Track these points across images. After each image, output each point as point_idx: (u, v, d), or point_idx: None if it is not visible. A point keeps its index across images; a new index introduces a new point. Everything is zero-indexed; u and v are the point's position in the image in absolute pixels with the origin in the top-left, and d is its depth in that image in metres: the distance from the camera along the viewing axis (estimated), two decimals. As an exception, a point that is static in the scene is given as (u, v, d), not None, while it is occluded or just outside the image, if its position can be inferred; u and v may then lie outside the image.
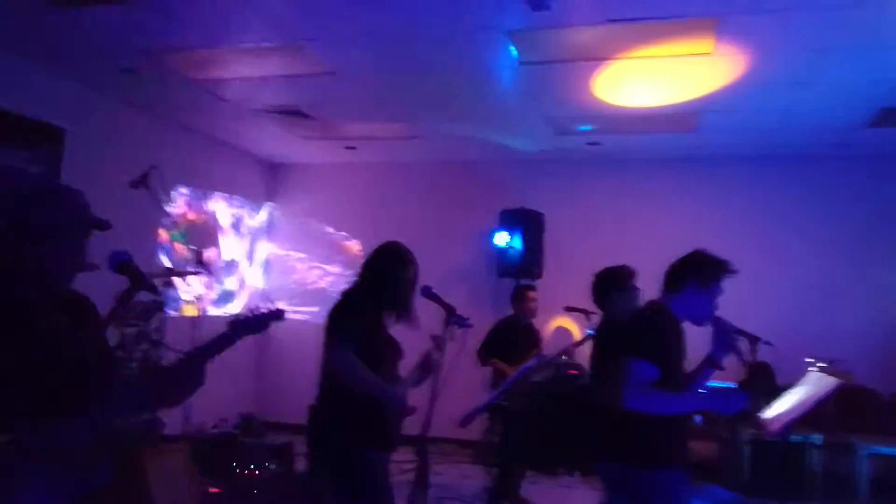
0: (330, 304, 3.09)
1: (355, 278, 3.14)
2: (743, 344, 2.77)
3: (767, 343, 3.03)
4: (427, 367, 3.21)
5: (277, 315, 2.08)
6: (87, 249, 1.83)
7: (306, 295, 8.11)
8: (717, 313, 2.80)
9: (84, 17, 4.25)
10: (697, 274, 2.74)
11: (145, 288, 1.99)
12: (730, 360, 2.86)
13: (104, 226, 1.80)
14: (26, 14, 4.22)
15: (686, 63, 4.67)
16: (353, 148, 7.44)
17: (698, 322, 2.79)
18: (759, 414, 4.03)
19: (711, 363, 2.85)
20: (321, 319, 3.06)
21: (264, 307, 2.06)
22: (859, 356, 5.97)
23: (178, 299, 6.57)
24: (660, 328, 2.71)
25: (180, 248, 6.63)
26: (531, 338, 5.79)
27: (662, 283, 2.85)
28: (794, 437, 5.01)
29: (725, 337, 2.77)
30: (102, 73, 5.29)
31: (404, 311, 3.06)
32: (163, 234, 6.55)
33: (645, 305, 2.88)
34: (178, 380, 1.90)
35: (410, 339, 3.17)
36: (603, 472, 2.98)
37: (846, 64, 4.53)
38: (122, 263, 1.95)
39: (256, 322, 2.03)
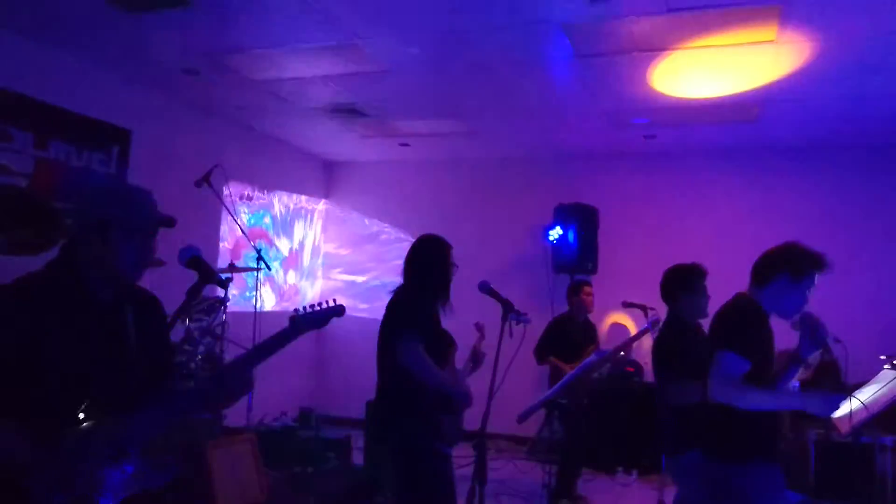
0: (384, 301, 3.14)
1: (406, 275, 3.20)
2: (830, 340, 2.69)
3: (836, 340, 2.94)
4: (477, 358, 3.26)
5: (338, 310, 2.08)
6: (155, 247, 1.90)
7: (361, 291, 8.23)
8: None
9: (148, 22, 4.39)
10: (790, 266, 2.66)
11: (215, 282, 2.05)
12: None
13: (170, 223, 1.88)
14: (94, 20, 4.38)
15: (747, 51, 4.53)
16: (407, 145, 7.50)
17: (786, 316, 2.73)
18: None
19: (798, 359, 2.78)
20: (376, 315, 3.12)
21: (325, 302, 2.07)
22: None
23: (240, 295, 6.75)
24: (750, 321, 2.65)
25: (242, 245, 6.81)
26: (588, 334, 5.74)
27: (750, 275, 2.78)
28: (864, 439, 4.82)
29: (813, 333, 2.69)
30: (166, 76, 5.46)
31: (447, 296, 3.16)
32: (225, 231, 6.74)
33: (733, 298, 2.79)
34: (227, 387, 1.94)
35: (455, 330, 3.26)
36: (681, 465, 2.92)
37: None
38: (192, 259, 2.02)
39: (318, 317, 2.04)
